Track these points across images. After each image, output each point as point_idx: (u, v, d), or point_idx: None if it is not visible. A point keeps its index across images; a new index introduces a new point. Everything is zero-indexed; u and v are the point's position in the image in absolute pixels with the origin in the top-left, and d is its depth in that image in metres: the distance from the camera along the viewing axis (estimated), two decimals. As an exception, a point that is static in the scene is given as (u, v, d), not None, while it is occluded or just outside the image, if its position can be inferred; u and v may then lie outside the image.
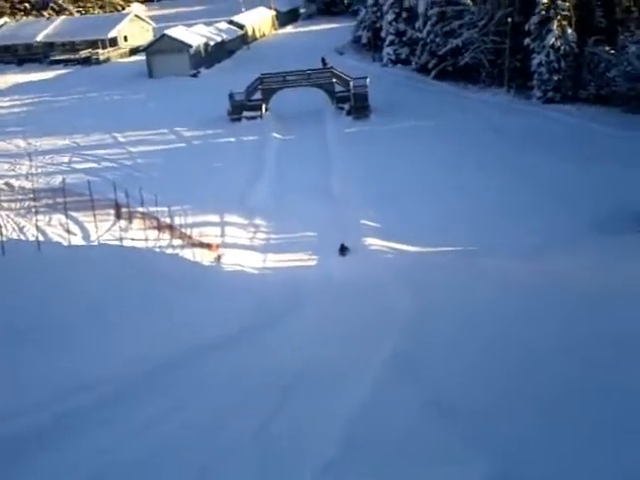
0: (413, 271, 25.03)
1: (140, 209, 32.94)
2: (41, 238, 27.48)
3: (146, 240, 29.64)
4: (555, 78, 51.45)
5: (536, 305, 15.06)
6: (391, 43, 71.41)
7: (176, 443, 9.02)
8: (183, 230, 32.10)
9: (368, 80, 54.65)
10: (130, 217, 32.72)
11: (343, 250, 29.53)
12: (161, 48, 75.78)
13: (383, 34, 73.00)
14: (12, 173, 42.87)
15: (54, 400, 10.33)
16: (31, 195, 35.51)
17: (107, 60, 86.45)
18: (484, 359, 11.68)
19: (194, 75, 74.27)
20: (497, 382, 10.43)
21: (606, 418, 8.51)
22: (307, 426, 9.38)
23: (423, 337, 14.00)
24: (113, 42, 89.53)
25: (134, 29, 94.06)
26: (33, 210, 32.71)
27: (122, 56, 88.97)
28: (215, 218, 34.50)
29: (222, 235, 32.72)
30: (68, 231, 29.13)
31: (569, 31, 51.19)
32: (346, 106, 53.98)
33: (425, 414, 9.48)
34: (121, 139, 50.59)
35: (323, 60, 66.98)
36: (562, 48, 51.03)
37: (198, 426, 9.64)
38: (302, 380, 11.43)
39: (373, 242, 30.28)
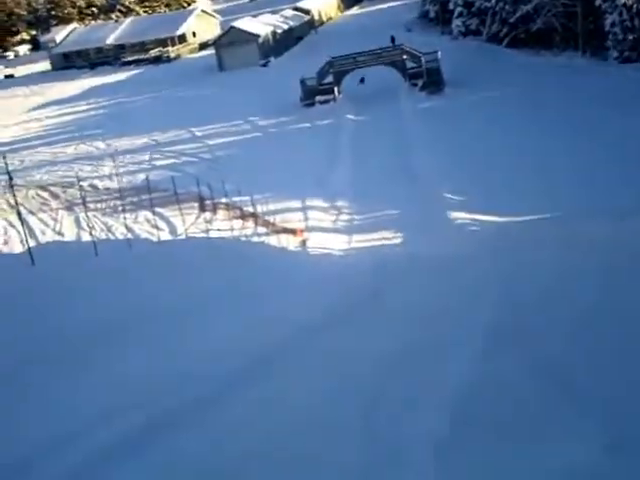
0: (501, 242, 24.51)
1: (223, 200, 33.18)
2: (129, 236, 27.97)
3: (231, 230, 29.88)
4: (630, 37, 49.79)
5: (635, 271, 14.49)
6: (460, 15, 70.33)
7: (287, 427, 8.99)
8: (267, 218, 32.20)
9: (439, 54, 53.94)
10: (214, 209, 33.04)
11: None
12: (230, 40, 76.40)
13: (451, 6, 71.97)
14: (95, 174, 43.73)
15: (159, 398, 10.36)
16: (116, 194, 36.22)
17: (177, 57, 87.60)
18: (584, 328, 11.33)
19: (264, 65, 74.63)
20: (600, 350, 10.09)
21: None
22: (415, 402, 9.23)
23: (519, 309, 13.67)
24: (182, 39, 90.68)
25: (201, 24, 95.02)
26: (119, 209, 33.36)
27: (192, 52, 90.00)
28: (297, 204, 34.51)
29: (305, 220, 32.70)
30: (156, 227, 29.54)
31: (641, -13, 49.50)
32: (419, 82, 53.45)
33: (537, 385, 9.24)
34: (198, 133, 51.11)
35: (392, 38, 66.58)
36: (634, 6, 49.33)
37: (307, 407, 9.61)
38: (404, 358, 11.26)
39: (458, 215, 29.82)
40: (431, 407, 8.86)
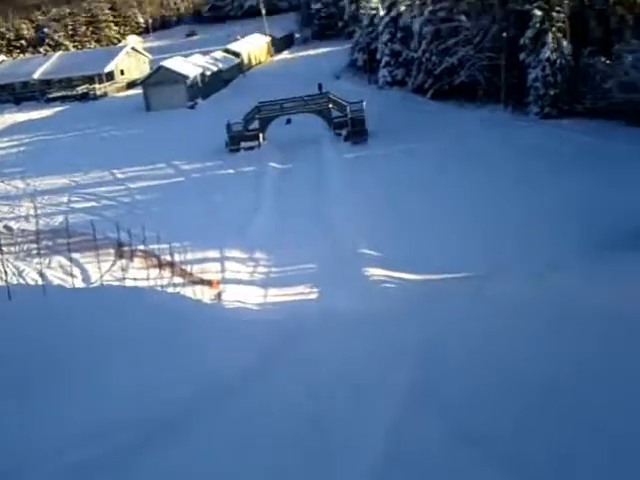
0: (418, 300, 24.73)
1: (140, 247, 32.80)
2: (40, 282, 27.37)
3: (147, 279, 29.50)
4: (551, 93, 51.29)
5: (547, 330, 14.75)
6: (387, 64, 71.53)
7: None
8: (184, 267, 31.92)
9: (364, 104, 54.71)
10: (131, 256, 32.63)
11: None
12: (158, 80, 76.09)
13: (378, 56, 73.23)
14: (11, 215, 42.83)
15: (65, 451, 10.08)
16: (31, 237, 35.45)
17: (104, 95, 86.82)
18: (499, 387, 11.47)
19: (191, 107, 74.52)
20: (514, 410, 10.27)
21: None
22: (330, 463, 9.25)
23: (436, 367, 13.74)
24: (110, 76, 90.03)
25: (131, 62, 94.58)
26: (33, 252, 32.65)
27: (119, 90, 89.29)
28: (215, 254, 34.29)
29: (222, 271, 32.50)
30: (71, 274, 29.05)
31: (564, 43, 51.16)
32: (343, 132, 54.09)
33: (452, 445, 9.33)
34: (120, 175, 50.65)
35: (319, 86, 67.27)
36: (558, 61, 50.97)
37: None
38: (316, 426, 11.15)
39: (374, 272, 30.01)
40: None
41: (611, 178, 35.90)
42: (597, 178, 36.30)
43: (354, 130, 53.46)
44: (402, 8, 70.54)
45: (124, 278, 29.58)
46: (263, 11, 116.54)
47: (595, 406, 9.71)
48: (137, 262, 32.47)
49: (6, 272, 28.61)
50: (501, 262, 27.80)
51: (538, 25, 52.17)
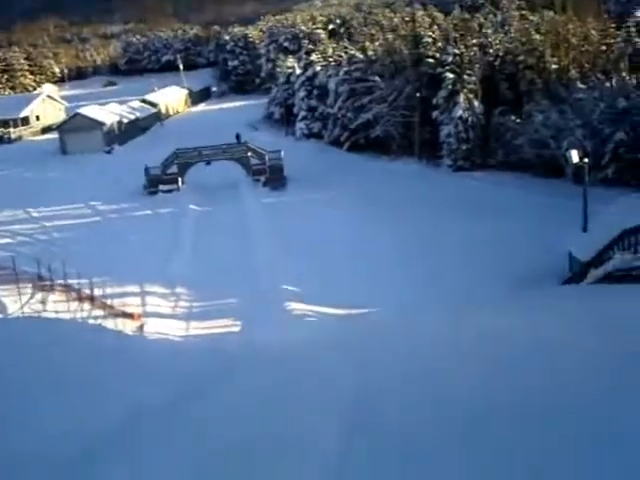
0: (336, 333, 25.26)
1: (59, 281, 32.43)
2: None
3: (67, 311, 29.19)
4: (464, 147, 53.39)
5: (468, 365, 15.07)
6: (303, 118, 73.11)
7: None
8: (104, 301, 31.70)
9: (283, 153, 55.72)
10: (49, 289, 32.19)
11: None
12: (74, 126, 75.93)
13: (296, 110, 74.77)
14: None
15: None
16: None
17: (19, 139, 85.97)
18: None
19: (108, 152, 74.41)
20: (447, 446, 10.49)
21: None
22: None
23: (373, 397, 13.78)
24: (25, 121, 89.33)
25: (46, 108, 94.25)
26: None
27: (34, 134, 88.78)
28: (135, 289, 34.19)
29: (143, 305, 32.42)
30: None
31: (476, 103, 53.41)
32: (262, 178, 54.87)
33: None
34: (35, 214, 50.04)
35: (237, 136, 67.97)
36: (469, 119, 53.09)
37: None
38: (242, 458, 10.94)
39: (296, 306, 30.51)
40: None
41: (524, 223, 37.63)
42: (507, 224, 38.00)
43: (273, 177, 54.36)
44: (318, 68, 72.55)
45: (44, 310, 29.22)
46: (180, 66, 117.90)
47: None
48: (57, 295, 32.07)
49: None
50: (419, 299, 28.81)
51: (450, 87, 54.50)
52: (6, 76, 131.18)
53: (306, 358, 20.38)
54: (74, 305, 30.69)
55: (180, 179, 54.95)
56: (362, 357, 18.01)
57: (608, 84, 46.99)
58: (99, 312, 30.51)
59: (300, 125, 73.35)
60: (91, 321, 28.91)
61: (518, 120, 50.95)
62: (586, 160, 31.80)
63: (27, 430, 12.17)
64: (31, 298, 31.39)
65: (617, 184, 40.61)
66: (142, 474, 10.36)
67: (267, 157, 55.56)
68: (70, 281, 32.34)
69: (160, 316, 31.35)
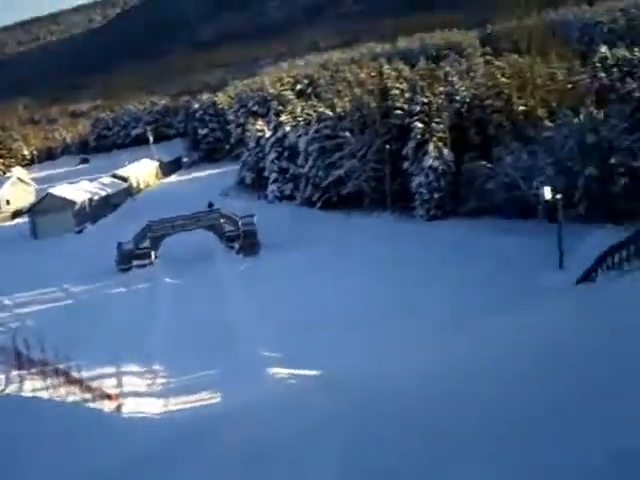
0: (319, 393, 24.61)
1: (33, 362, 31.65)
2: None
3: (46, 389, 28.45)
4: (436, 196, 53.31)
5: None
6: (275, 180, 73.23)
7: None
8: (82, 383, 30.92)
9: (256, 218, 55.42)
10: (28, 370, 31.40)
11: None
12: (45, 207, 75.50)
13: (267, 173, 74.90)
14: None
15: None
16: None
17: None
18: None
19: (80, 231, 73.92)
20: None
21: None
22: None
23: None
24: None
25: (17, 192, 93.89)
26: None
27: (4, 220, 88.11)
28: (111, 369, 33.42)
29: (120, 385, 31.63)
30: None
31: (445, 151, 53.54)
32: (236, 244, 54.48)
33: None
34: (7, 302, 49.17)
35: (210, 204, 67.86)
36: (440, 168, 53.09)
37: None
38: None
39: (277, 371, 29.92)
40: None
41: (502, 265, 37.46)
42: (486, 266, 37.77)
43: (246, 243, 53.97)
44: (287, 128, 72.85)
45: (21, 389, 28.49)
46: (150, 138, 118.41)
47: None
48: (28, 380, 31.27)
49: None
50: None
51: (419, 136, 54.75)
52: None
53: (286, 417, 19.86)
54: (51, 386, 29.95)
55: (153, 253, 54.41)
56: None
57: (576, 120, 47.06)
58: (78, 394, 29.75)
59: (272, 188, 73.36)
60: (70, 399, 28.21)
61: (489, 165, 50.88)
62: (558, 196, 31.63)
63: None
64: (7, 378, 30.61)
65: (590, 219, 40.42)
66: None
67: (240, 223, 55.23)
68: (43, 366, 31.62)
69: (138, 395, 30.62)
